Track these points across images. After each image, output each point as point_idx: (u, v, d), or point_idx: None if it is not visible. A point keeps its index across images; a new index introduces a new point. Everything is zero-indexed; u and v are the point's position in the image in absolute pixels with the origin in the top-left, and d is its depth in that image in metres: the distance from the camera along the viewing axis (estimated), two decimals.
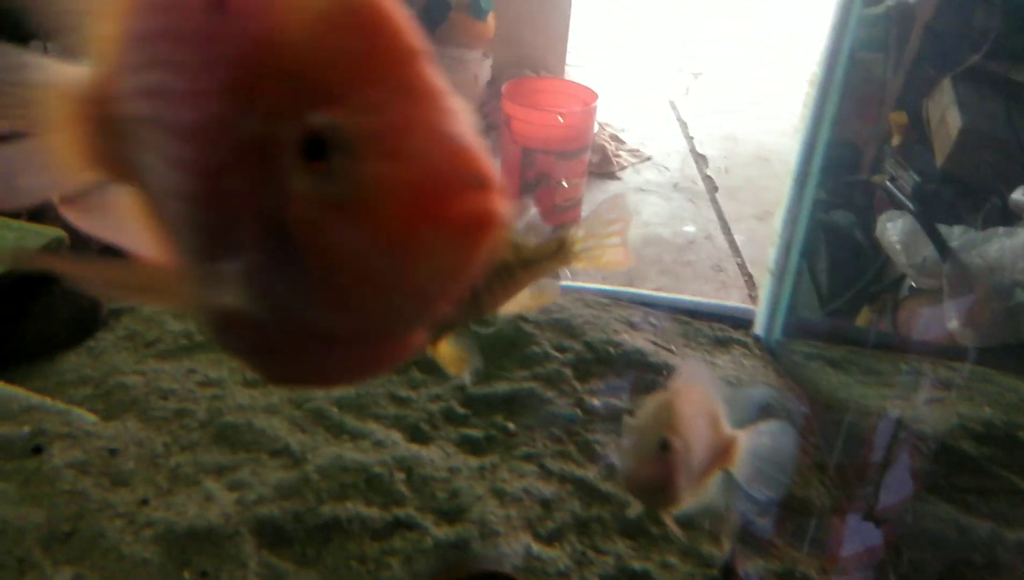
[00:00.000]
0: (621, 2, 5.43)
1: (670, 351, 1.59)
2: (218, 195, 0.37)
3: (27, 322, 1.59)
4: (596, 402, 1.40)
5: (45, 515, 1.06)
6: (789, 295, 1.66)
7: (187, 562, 1.00)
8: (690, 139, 4.00)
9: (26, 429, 1.23)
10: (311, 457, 1.21)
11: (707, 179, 3.72)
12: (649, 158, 3.74)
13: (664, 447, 0.77)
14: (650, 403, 0.85)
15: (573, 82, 3.39)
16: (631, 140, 3.84)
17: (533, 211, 0.76)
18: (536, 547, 1.07)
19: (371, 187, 0.33)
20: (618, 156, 3.66)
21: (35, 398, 1.32)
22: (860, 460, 1.30)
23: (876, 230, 2.27)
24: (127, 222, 0.49)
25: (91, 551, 1.02)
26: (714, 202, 3.54)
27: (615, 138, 3.79)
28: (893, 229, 2.17)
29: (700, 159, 3.86)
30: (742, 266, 3.10)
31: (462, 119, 0.35)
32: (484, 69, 3.58)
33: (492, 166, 0.34)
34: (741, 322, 1.75)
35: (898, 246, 2.14)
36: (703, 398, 0.85)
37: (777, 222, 1.65)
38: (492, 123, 3.28)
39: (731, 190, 3.65)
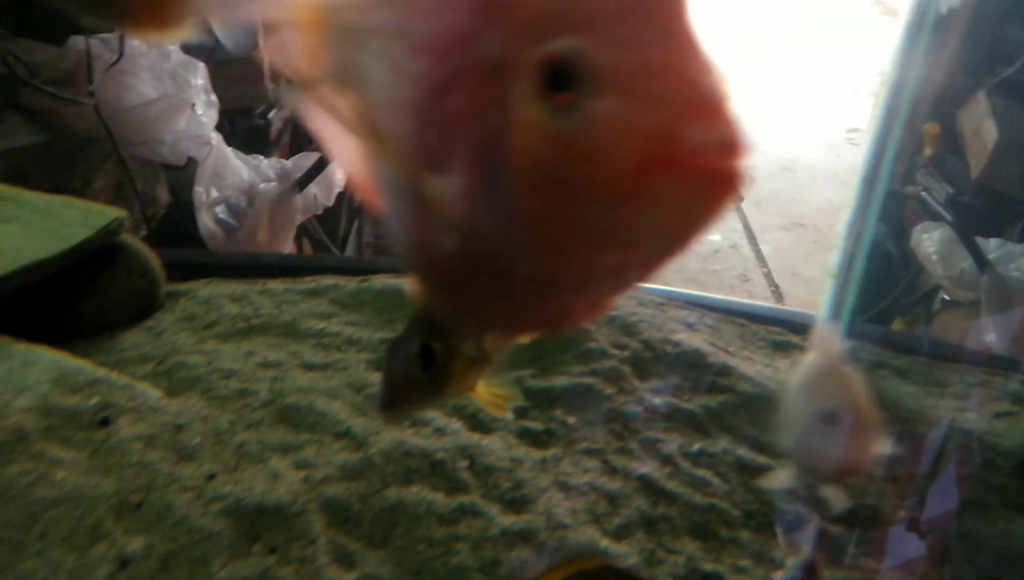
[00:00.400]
0: None
1: (727, 353, 1.56)
2: (441, 112, 0.35)
3: (87, 300, 1.61)
4: (656, 400, 1.38)
5: (115, 485, 1.07)
6: (853, 301, 1.62)
7: (256, 537, 1.00)
8: None
9: (93, 401, 1.24)
10: (373, 441, 1.21)
11: None
12: None
13: (853, 416, 0.73)
14: (809, 370, 0.81)
15: None
16: None
17: None
18: (605, 542, 1.05)
19: (610, 125, 0.31)
20: None
21: (100, 371, 1.34)
22: (933, 472, 1.26)
23: (911, 241, 2.23)
24: (335, 128, 0.47)
25: (161, 522, 1.02)
26: (739, 211, 3.52)
27: None
28: (929, 240, 2.14)
29: None
30: (768, 276, 3.07)
31: (718, 73, 0.32)
32: None
33: (743, 127, 0.32)
34: (799, 327, 1.72)
35: (934, 257, 2.10)
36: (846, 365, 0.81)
37: (841, 226, 1.62)
38: None
39: (756, 200, 3.61)
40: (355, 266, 2.03)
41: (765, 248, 3.24)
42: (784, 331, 1.69)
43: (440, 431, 1.26)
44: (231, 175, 2.58)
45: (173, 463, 1.13)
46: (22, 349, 1.32)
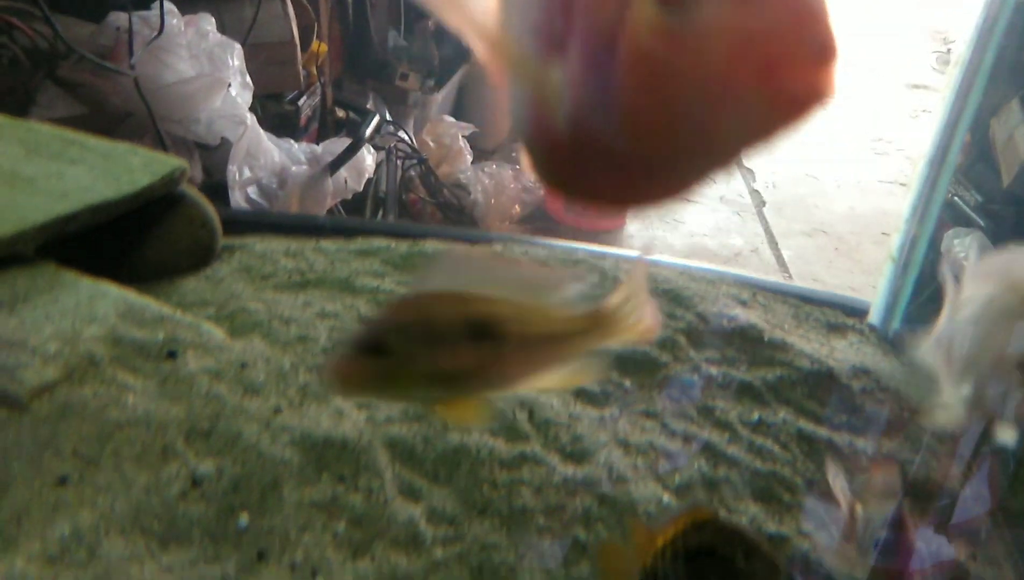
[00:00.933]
0: None
1: (782, 330, 1.55)
2: (564, 4, 0.40)
3: (148, 246, 1.64)
4: (713, 370, 1.37)
5: (184, 412, 1.09)
6: (913, 285, 1.59)
7: (324, 466, 1.01)
8: None
9: (160, 335, 1.26)
10: None
11: (754, 193, 3.67)
12: None
13: None
14: (994, 305, 0.79)
15: None
16: None
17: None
18: (667, 497, 1.04)
19: (715, 26, 0.33)
20: None
21: (165, 309, 1.36)
22: (1002, 459, 1.23)
23: (941, 246, 2.21)
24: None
25: (231, 448, 1.03)
26: (761, 216, 3.49)
27: None
28: (960, 246, 2.11)
29: (747, 172, 3.79)
30: (790, 281, 3.04)
31: None
32: None
33: (839, 42, 0.34)
34: (853, 311, 1.70)
35: (965, 264, 2.08)
36: None
37: (905, 207, 1.59)
38: None
39: (778, 205, 3.58)
40: (404, 230, 2.03)
41: (787, 253, 3.22)
42: (839, 313, 1.67)
43: None
44: (264, 156, 2.60)
45: (240, 396, 1.14)
46: (89, 284, 1.35)
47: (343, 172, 2.89)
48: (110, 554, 0.84)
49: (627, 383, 1.32)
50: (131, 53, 2.24)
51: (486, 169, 3.35)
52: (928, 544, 1.01)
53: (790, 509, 1.07)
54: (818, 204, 3.49)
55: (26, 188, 1.47)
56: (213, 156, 2.56)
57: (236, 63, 2.62)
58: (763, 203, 3.50)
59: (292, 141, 2.80)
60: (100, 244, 1.57)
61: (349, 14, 3.35)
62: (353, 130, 3.09)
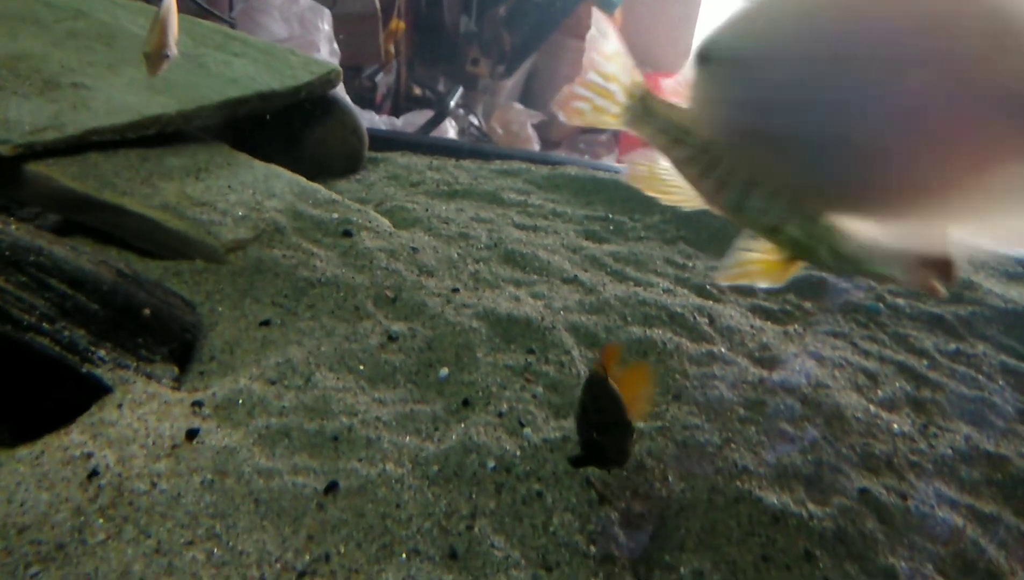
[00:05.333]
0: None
1: (964, 271, 1.42)
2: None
3: (305, 144, 1.66)
4: (900, 301, 1.27)
5: (368, 280, 1.09)
6: None
7: (512, 339, 0.98)
8: None
9: (334, 215, 1.27)
10: (603, 290, 1.17)
11: None
12: None
13: None
14: None
15: None
16: None
17: None
18: (873, 408, 0.97)
19: None
20: None
21: (334, 194, 1.37)
22: None
23: None
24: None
25: (418, 315, 1.02)
26: None
27: None
28: None
29: None
30: None
31: None
32: None
33: None
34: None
35: None
36: None
37: None
38: None
39: None
40: (541, 158, 2.00)
41: None
42: (1012, 264, 1.53)
43: (669, 292, 1.21)
44: None
45: (417, 274, 1.13)
46: (262, 165, 1.37)
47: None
48: (324, 384, 0.84)
49: (807, 305, 1.24)
50: (231, 5, 2.29)
51: None
52: None
53: (1006, 435, 0.97)
54: None
55: (199, 72, 1.51)
56: None
57: (326, 28, 2.63)
58: None
59: (373, 112, 2.81)
60: (266, 138, 1.60)
61: None
62: (432, 105, 3.09)
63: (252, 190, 1.26)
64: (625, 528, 0.73)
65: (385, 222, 1.32)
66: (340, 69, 1.71)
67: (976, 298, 1.30)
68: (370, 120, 2.75)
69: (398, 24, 3.07)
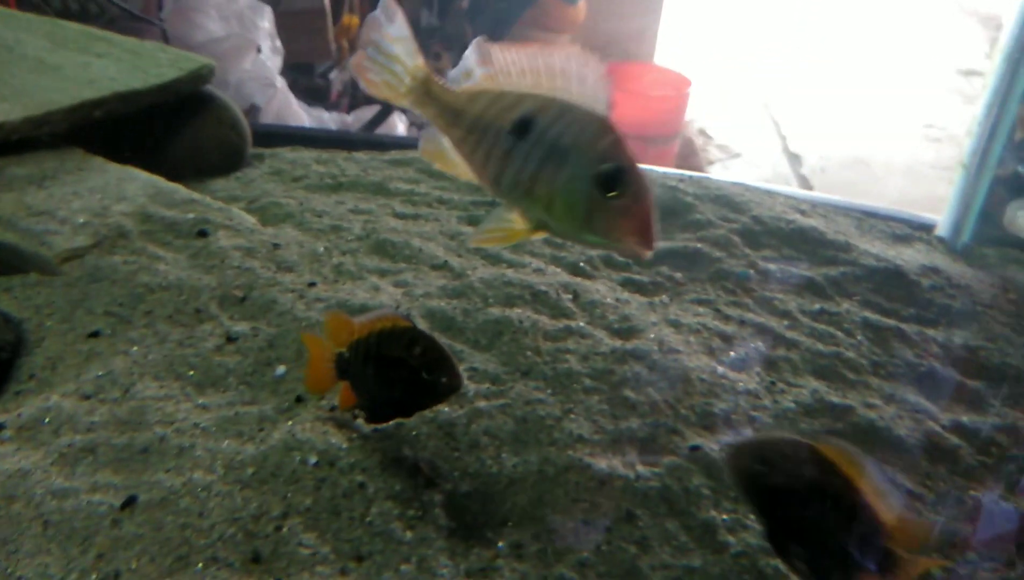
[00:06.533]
0: None
1: (844, 235, 1.45)
2: None
3: (178, 142, 1.59)
4: (771, 266, 1.28)
5: (217, 281, 1.05)
6: (985, 194, 1.48)
7: None
8: (783, 137, 3.75)
9: (190, 215, 1.22)
10: (471, 274, 1.15)
11: (801, 178, 3.48)
12: (739, 155, 3.54)
13: None
14: None
15: (665, 68, 3.25)
16: (719, 136, 3.65)
17: None
18: (721, 369, 0.97)
19: None
20: (706, 151, 3.49)
21: (195, 194, 1.32)
22: None
23: (1004, 219, 2.07)
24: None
25: (265, 313, 0.99)
26: None
27: (703, 133, 3.61)
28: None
29: (793, 158, 3.61)
30: None
31: None
32: None
33: None
34: (920, 226, 1.59)
35: None
36: None
37: (979, 108, 1.47)
38: None
39: (827, 190, 3.41)
40: None
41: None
42: (904, 226, 1.57)
43: (540, 271, 1.20)
44: (293, 121, 2.51)
45: (273, 271, 1.10)
46: (118, 168, 1.31)
47: None
48: (144, 393, 0.80)
49: (678, 275, 1.24)
50: (160, 6, 2.20)
51: None
52: None
53: (855, 386, 0.99)
54: (868, 189, 3.30)
55: (53, 75, 1.43)
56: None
57: (266, 25, 2.54)
58: (810, 188, 3.33)
59: (323, 110, 2.74)
60: (131, 140, 1.54)
61: None
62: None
63: (100, 195, 1.20)
64: (448, 510, 0.71)
65: (250, 219, 1.27)
66: (213, 64, 1.64)
67: (850, 259, 1.32)
68: (319, 117, 2.67)
69: (351, 20, 2.98)
